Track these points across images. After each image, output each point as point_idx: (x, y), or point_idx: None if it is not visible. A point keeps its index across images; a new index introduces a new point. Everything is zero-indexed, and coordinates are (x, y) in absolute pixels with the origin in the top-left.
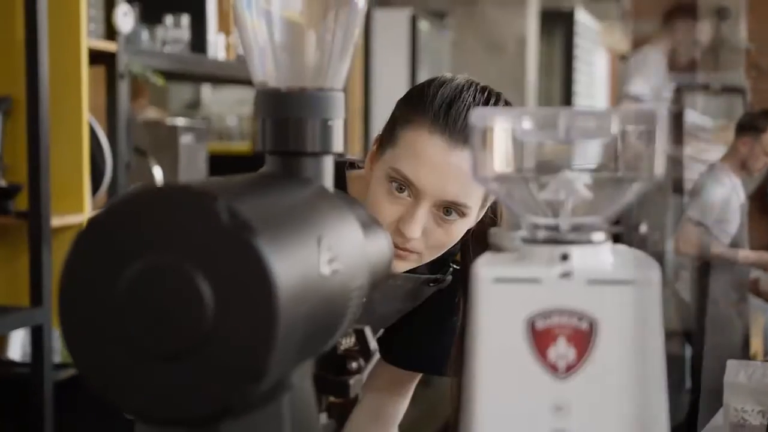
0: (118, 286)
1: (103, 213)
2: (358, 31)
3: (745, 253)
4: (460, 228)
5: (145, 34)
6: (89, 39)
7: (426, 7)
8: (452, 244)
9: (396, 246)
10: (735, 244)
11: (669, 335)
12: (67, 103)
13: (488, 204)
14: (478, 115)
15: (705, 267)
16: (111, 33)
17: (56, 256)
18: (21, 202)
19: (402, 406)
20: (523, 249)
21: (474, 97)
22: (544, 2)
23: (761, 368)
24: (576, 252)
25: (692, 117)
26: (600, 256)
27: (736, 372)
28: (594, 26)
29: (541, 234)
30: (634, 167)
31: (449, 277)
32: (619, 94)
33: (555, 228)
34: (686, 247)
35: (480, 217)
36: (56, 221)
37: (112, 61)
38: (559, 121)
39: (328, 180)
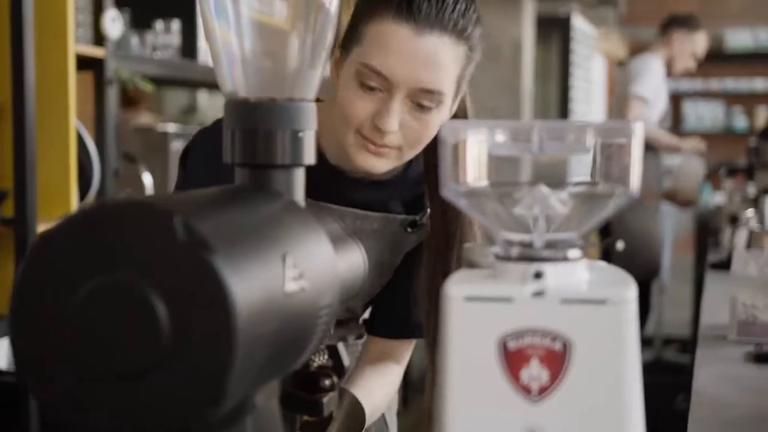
0: (72, 303)
1: (58, 227)
2: (330, 38)
3: (682, 141)
4: (436, 119)
5: (134, 40)
6: (77, 44)
7: None
8: (430, 138)
9: (374, 143)
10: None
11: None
12: (54, 109)
13: (461, 93)
14: (449, 129)
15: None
16: (99, 38)
17: None
18: (7, 209)
19: (398, 373)
20: (496, 266)
21: None
22: (540, 8)
23: None
24: (550, 270)
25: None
26: (575, 274)
27: (744, 263)
28: (591, 32)
29: (515, 251)
30: (611, 182)
31: (426, 221)
32: (617, 95)
33: (529, 244)
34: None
35: (454, 110)
36: (43, 228)
37: (100, 67)
38: (533, 134)
39: (299, 193)
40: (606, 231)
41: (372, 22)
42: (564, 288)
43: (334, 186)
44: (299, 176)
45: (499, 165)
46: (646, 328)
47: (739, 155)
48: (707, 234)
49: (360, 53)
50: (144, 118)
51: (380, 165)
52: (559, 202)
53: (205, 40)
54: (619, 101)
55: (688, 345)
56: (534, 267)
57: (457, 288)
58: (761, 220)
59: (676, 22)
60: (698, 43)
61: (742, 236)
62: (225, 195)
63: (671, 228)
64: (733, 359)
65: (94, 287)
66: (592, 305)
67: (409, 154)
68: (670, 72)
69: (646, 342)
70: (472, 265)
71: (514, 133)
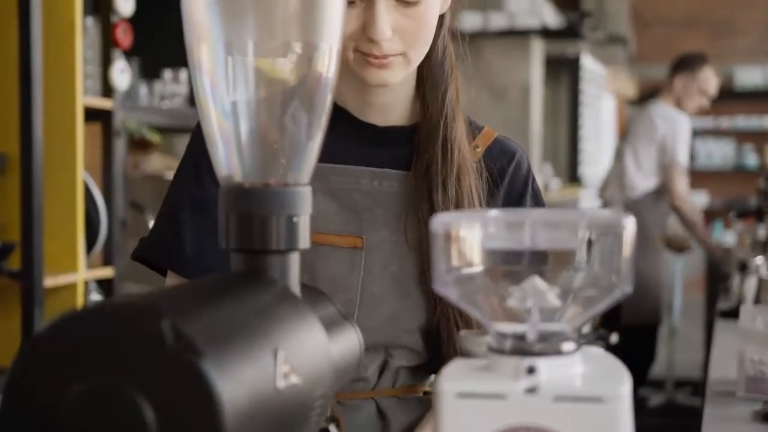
0: (60, 408)
1: (47, 331)
2: (324, 121)
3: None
4: (428, 10)
5: (143, 89)
6: (86, 96)
7: None
8: (431, 32)
9: (374, 56)
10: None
11: None
12: (61, 161)
13: None
14: (439, 221)
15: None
16: (108, 90)
17: (49, 317)
18: (14, 262)
19: None
20: (490, 358)
21: None
22: (549, 49)
23: None
24: (543, 364)
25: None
26: (569, 367)
27: (751, 317)
28: (600, 71)
29: (508, 344)
30: (604, 274)
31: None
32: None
33: (522, 337)
34: (684, 201)
35: (449, 0)
36: (49, 281)
37: (108, 118)
38: (525, 227)
39: (294, 278)
40: None
41: None
42: (557, 384)
43: (357, 142)
44: (294, 261)
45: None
46: (659, 370)
47: (750, 193)
48: (717, 276)
49: None
50: (155, 161)
51: (390, 76)
52: (553, 295)
53: (201, 122)
54: (640, 153)
55: (701, 387)
56: (527, 362)
57: (450, 384)
58: None
59: (677, 65)
60: (704, 80)
61: (751, 284)
62: (217, 286)
63: (681, 269)
64: (740, 418)
65: (82, 390)
66: (586, 402)
67: (417, 55)
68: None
69: (657, 385)
70: (466, 353)
71: (506, 225)
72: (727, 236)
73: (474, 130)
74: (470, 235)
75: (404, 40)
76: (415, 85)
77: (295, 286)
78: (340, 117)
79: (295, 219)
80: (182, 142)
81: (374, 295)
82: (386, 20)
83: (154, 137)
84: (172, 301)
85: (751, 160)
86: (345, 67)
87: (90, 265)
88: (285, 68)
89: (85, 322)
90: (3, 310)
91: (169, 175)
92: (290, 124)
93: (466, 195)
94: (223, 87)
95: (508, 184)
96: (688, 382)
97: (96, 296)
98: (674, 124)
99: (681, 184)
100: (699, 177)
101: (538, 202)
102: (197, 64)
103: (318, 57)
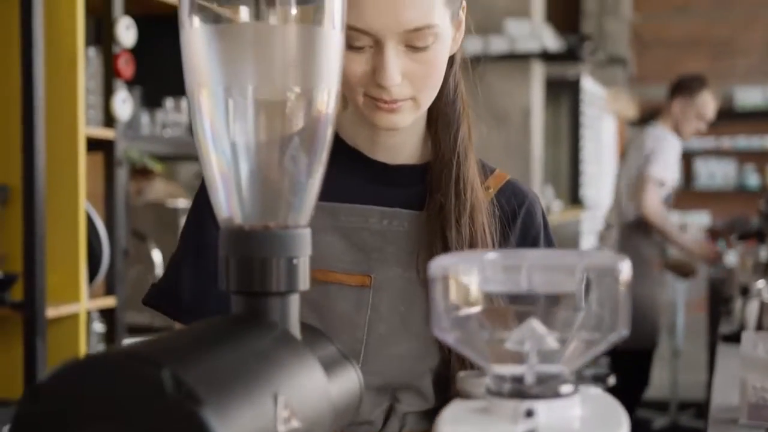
0: None
1: (49, 380)
2: (323, 162)
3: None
4: (438, 54)
5: (145, 118)
6: (88, 127)
7: None
8: (441, 75)
9: (384, 101)
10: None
11: None
12: (64, 192)
13: (461, 11)
14: (437, 265)
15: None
16: (110, 119)
17: (51, 348)
18: (16, 292)
19: None
20: (488, 400)
21: None
22: (549, 71)
23: None
24: (542, 407)
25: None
26: (567, 411)
27: (753, 344)
28: (600, 93)
29: (506, 387)
30: (601, 319)
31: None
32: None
33: (520, 379)
34: (654, 212)
35: (459, 41)
36: (52, 312)
37: (110, 148)
38: (522, 272)
39: (294, 319)
40: None
41: None
42: (556, 427)
43: (368, 180)
44: (294, 303)
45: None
46: (662, 392)
47: (752, 212)
48: (720, 298)
49: None
50: (158, 187)
51: (400, 120)
52: (551, 337)
53: (200, 164)
54: (633, 176)
55: (704, 409)
56: (525, 405)
57: (449, 427)
58: None
59: (676, 88)
60: (702, 104)
61: (753, 308)
62: (217, 331)
63: (684, 289)
64: None
65: None
66: None
67: (427, 99)
68: (680, 136)
69: (661, 407)
70: (465, 395)
71: (503, 270)
72: (729, 256)
73: (486, 171)
74: (468, 279)
75: (414, 85)
76: (426, 124)
77: (295, 328)
78: (351, 156)
79: (294, 261)
80: (184, 169)
81: (381, 335)
82: (395, 66)
83: (156, 166)
84: (172, 349)
85: (753, 180)
86: (355, 108)
87: (92, 295)
88: (284, 111)
89: (86, 371)
90: (5, 341)
91: (172, 202)
92: (290, 166)
93: (479, 234)
94: (222, 130)
95: (520, 229)
96: (692, 404)
97: (98, 326)
98: (660, 142)
99: (649, 194)
100: (700, 197)
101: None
102: (197, 107)
103: (317, 99)
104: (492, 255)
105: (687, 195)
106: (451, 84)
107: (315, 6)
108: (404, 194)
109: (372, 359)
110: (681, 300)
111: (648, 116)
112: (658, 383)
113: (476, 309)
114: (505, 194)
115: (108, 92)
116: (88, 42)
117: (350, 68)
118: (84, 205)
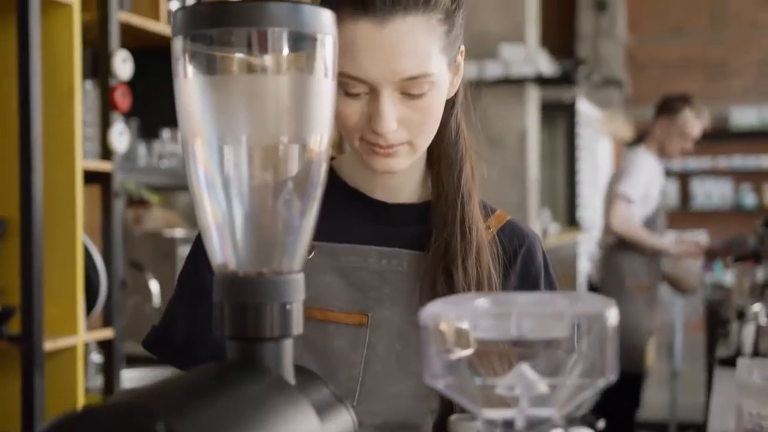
0: None
1: None
2: (316, 208)
3: (675, 244)
4: (434, 100)
5: (142, 149)
6: (85, 159)
7: None
8: (437, 120)
9: (380, 146)
10: (649, 226)
11: None
12: (61, 225)
13: (458, 58)
14: (428, 312)
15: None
16: (107, 152)
17: (49, 381)
18: (14, 326)
19: None
20: None
21: None
22: (544, 95)
23: None
24: None
25: None
26: None
27: (748, 370)
28: (596, 115)
29: (497, 431)
30: (590, 364)
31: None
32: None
33: (511, 424)
34: (620, 225)
35: (457, 85)
36: (49, 345)
37: (107, 180)
38: (511, 318)
39: (287, 363)
40: None
41: (338, 28)
42: None
43: (367, 219)
44: (288, 348)
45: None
46: (661, 413)
47: (749, 232)
48: (717, 320)
49: None
50: (156, 215)
51: (396, 164)
52: (541, 382)
53: (194, 210)
54: (607, 196)
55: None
56: None
57: None
58: None
59: (659, 109)
60: (683, 123)
61: (749, 332)
62: (211, 377)
63: (682, 310)
64: None
65: None
66: None
67: (423, 143)
68: (666, 155)
69: (660, 428)
70: None
71: (493, 318)
72: (726, 277)
73: (487, 210)
74: (459, 326)
75: (410, 131)
76: (427, 163)
77: (289, 373)
78: (350, 195)
79: (288, 306)
80: (182, 198)
81: (378, 373)
82: (391, 113)
83: (153, 198)
84: (165, 399)
85: (749, 199)
86: (353, 150)
87: (90, 327)
88: (277, 158)
89: (80, 424)
90: (3, 375)
91: (169, 232)
92: (283, 212)
93: (485, 274)
94: (216, 177)
95: (521, 269)
96: (691, 425)
97: (96, 357)
98: (632, 160)
99: (615, 209)
100: (697, 217)
101: (552, 289)
102: (192, 155)
103: (309, 146)
104: (482, 302)
105: (684, 215)
106: (453, 125)
107: (307, 53)
108: (404, 233)
109: (368, 398)
110: (679, 321)
111: (644, 137)
112: (657, 404)
113: (467, 354)
114: (506, 234)
115: (105, 125)
116: (85, 75)
117: (346, 114)
118: (81, 238)
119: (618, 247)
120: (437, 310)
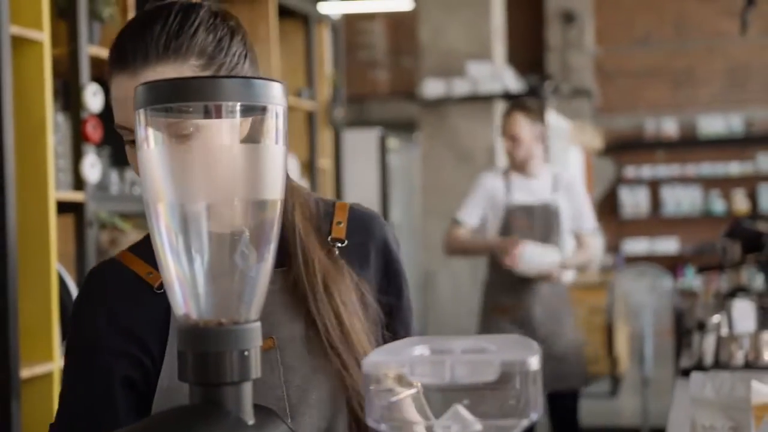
0: None
1: None
2: (271, 257)
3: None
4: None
5: (114, 177)
6: (58, 190)
7: (397, 122)
8: None
9: None
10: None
11: None
12: (35, 254)
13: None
14: (369, 362)
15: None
16: (79, 182)
17: (26, 409)
18: None
19: None
20: None
21: (151, 14)
22: None
23: (730, 379)
24: None
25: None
26: None
27: (701, 385)
28: (565, 126)
29: None
30: (516, 406)
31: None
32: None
33: None
34: (446, 246)
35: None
36: (26, 372)
37: (80, 210)
38: (446, 365)
39: (247, 405)
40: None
41: (110, 81)
42: None
43: None
44: (247, 390)
45: None
46: (633, 419)
47: (719, 239)
48: (683, 328)
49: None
50: (131, 238)
51: None
52: (474, 421)
53: (158, 266)
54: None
55: None
56: None
57: None
58: (730, 325)
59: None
60: (502, 124)
61: (710, 343)
62: (173, 423)
63: (651, 318)
64: None
65: None
66: None
67: None
68: (513, 165)
69: None
70: None
71: (431, 363)
72: (696, 282)
73: (328, 207)
74: (398, 373)
75: None
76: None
77: (248, 413)
78: None
79: (246, 353)
80: None
81: (299, 387)
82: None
83: (125, 227)
84: None
85: (719, 205)
86: None
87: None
88: (234, 217)
89: None
90: None
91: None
92: (240, 265)
93: (340, 301)
94: (178, 236)
95: (374, 259)
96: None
97: None
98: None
99: (449, 236)
100: (668, 224)
101: (400, 274)
102: (154, 216)
103: (264, 204)
104: (419, 350)
105: (655, 222)
106: None
107: (258, 123)
108: None
109: (298, 411)
110: (649, 329)
111: (614, 146)
112: (630, 411)
113: (406, 400)
114: (354, 224)
115: (77, 156)
116: (57, 108)
117: (133, 161)
118: (55, 267)
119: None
120: (377, 360)
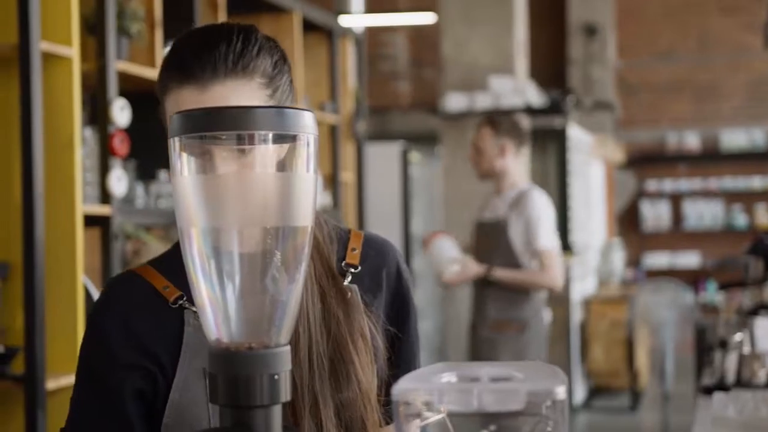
0: None
1: None
2: (301, 282)
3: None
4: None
5: (140, 190)
6: (85, 204)
7: (418, 134)
8: None
9: None
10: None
11: None
12: (62, 267)
13: None
14: (399, 389)
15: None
16: (106, 196)
17: (51, 420)
18: (17, 366)
19: None
20: None
21: (214, 32)
22: (535, 122)
23: (752, 399)
24: None
25: None
26: None
27: (724, 405)
28: (587, 139)
29: None
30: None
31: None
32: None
33: None
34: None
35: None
36: (51, 384)
37: (106, 223)
38: (473, 393)
39: (276, 428)
40: None
41: (167, 95)
42: None
43: None
44: (276, 413)
45: None
46: None
47: (741, 253)
48: (705, 343)
49: None
50: (154, 248)
51: None
52: None
53: (192, 294)
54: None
55: None
56: None
57: None
58: (752, 344)
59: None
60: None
61: (732, 361)
62: None
63: (673, 334)
64: None
65: None
66: None
67: None
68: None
69: None
70: None
71: (458, 393)
72: (717, 297)
73: (341, 235)
74: (426, 400)
75: None
76: None
77: None
78: None
79: (276, 377)
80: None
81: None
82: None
83: (150, 240)
84: None
85: (741, 220)
86: None
87: None
88: (265, 242)
89: None
90: (6, 413)
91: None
92: (271, 289)
93: (339, 329)
94: (210, 261)
95: (386, 287)
96: None
97: None
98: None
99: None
100: (689, 238)
101: (409, 303)
102: (187, 241)
103: (295, 230)
104: (447, 377)
105: (676, 236)
106: None
107: (290, 151)
108: None
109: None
110: (670, 345)
111: (635, 159)
112: (649, 426)
113: (434, 425)
114: (368, 253)
115: (104, 170)
116: (85, 123)
117: None
118: (82, 279)
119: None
120: (406, 387)
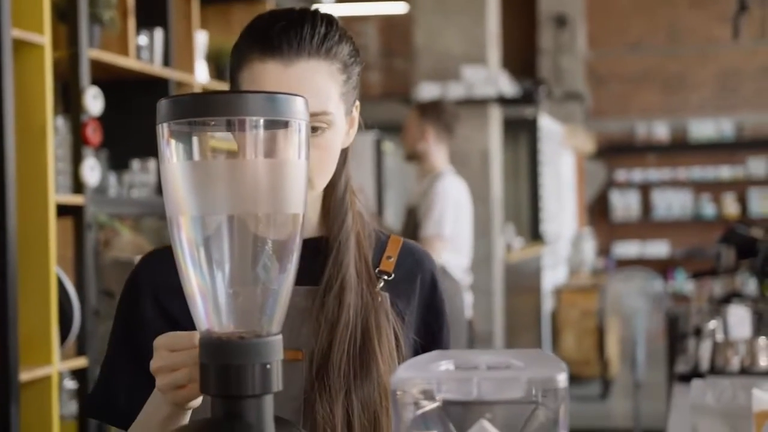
0: None
1: None
2: (293, 269)
3: None
4: (331, 139)
5: (113, 180)
6: (57, 194)
7: (389, 124)
8: (334, 162)
9: None
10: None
11: None
12: (35, 258)
13: (354, 106)
14: (397, 378)
15: None
16: (78, 185)
17: (24, 411)
18: None
19: None
20: None
21: (297, 13)
22: (507, 112)
23: (730, 387)
24: None
25: None
26: None
27: (702, 392)
28: (558, 129)
29: None
30: (544, 422)
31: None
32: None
33: None
34: None
35: (352, 137)
36: (25, 375)
37: (79, 213)
38: (473, 381)
39: (268, 419)
40: None
41: (243, 68)
42: None
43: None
44: (268, 403)
45: None
46: (625, 422)
47: (709, 242)
48: (677, 331)
49: None
50: (126, 239)
51: None
52: None
53: (181, 281)
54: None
55: None
56: None
57: None
58: (725, 331)
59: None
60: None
61: (706, 349)
62: None
63: (643, 323)
64: None
65: None
66: None
67: (321, 182)
68: None
69: None
70: None
71: (457, 382)
72: (687, 286)
73: (381, 239)
74: (425, 389)
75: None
76: (322, 202)
77: (270, 426)
78: None
79: (268, 366)
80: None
81: (313, 399)
82: None
83: (123, 230)
84: None
85: (709, 209)
86: None
87: (64, 356)
88: (256, 232)
89: None
90: None
91: (137, 258)
92: (262, 277)
93: (369, 334)
94: (200, 249)
95: (419, 296)
96: None
97: (70, 384)
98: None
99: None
100: (659, 227)
101: (443, 314)
102: (176, 229)
103: (285, 218)
104: (444, 365)
105: (645, 225)
106: (342, 182)
107: (280, 138)
108: (309, 269)
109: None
110: (641, 334)
111: (605, 149)
112: (620, 414)
113: (432, 413)
114: (404, 260)
115: (76, 159)
116: (57, 111)
117: None
118: (54, 270)
119: None
120: (404, 376)
